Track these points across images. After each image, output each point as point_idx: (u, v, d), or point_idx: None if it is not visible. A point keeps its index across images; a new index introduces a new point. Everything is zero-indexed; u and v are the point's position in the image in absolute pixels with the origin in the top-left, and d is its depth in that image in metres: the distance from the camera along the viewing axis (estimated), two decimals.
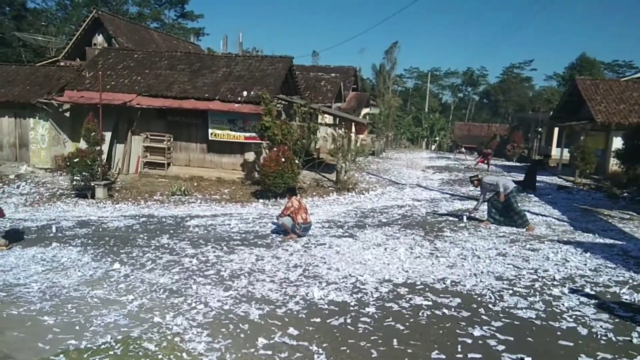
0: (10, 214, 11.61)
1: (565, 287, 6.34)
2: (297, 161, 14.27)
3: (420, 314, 5.40)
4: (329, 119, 21.45)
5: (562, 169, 23.18)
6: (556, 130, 27.93)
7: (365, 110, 32.25)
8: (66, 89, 16.94)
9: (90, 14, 23.03)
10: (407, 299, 5.85)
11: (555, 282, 6.55)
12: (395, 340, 4.74)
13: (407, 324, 5.14)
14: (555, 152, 27.58)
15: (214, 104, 15.72)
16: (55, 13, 46.85)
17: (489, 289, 6.23)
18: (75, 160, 13.31)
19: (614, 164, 18.14)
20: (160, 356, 4.30)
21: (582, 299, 5.96)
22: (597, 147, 20.57)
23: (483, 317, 5.37)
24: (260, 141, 15.52)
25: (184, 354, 4.34)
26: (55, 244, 8.24)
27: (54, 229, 9.50)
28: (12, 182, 15.17)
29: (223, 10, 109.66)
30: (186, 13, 54.17)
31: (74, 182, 13.77)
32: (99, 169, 13.71)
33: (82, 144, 14.84)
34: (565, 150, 24.58)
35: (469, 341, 4.75)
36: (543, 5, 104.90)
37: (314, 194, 14.51)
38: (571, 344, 4.72)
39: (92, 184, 13.48)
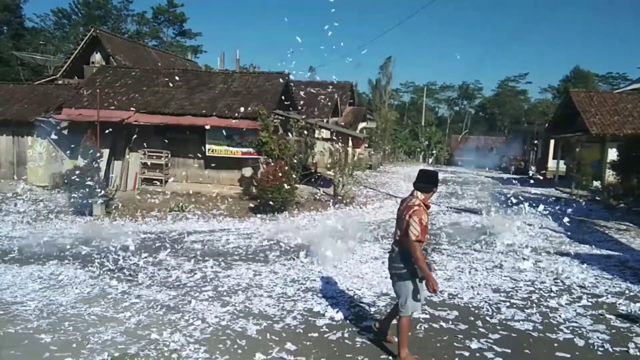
0: (8, 232, 11.59)
1: (562, 298, 6.36)
2: (294, 176, 14.32)
3: (417, 327, 5.40)
4: (326, 134, 21.55)
5: (559, 181, 23.28)
6: (552, 142, 28.09)
7: (362, 125, 32.40)
8: (64, 106, 17.01)
9: (88, 33, 23.24)
10: None
11: (552, 294, 6.57)
12: (393, 354, 4.73)
13: None
14: (551, 164, 27.70)
15: (211, 120, 15.79)
16: (54, 32, 47.27)
17: (486, 302, 6.25)
18: (73, 177, 13.32)
19: (610, 175, 18.24)
20: None
21: (579, 310, 5.98)
22: (592, 159, 20.69)
23: (480, 329, 5.38)
24: (257, 156, 15.57)
25: None
26: (52, 262, 8.23)
27: (51, 247, 9.48)
28: (9, 200, 15.16)
29: (221, 28, 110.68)
30: (184, 31, 54.72)
31: (72, 200, 13.75)
32: (97, 186, 13.72)
33: (80, 162, 14.84)
34: (562, 162, 24.70)
35: (467, 354, 4.76)
36: (537, 19, 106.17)
37: (312, 208, 14.53)
38: (568, 356, 4.73)
39: (90, 201, 13.47)
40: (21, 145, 17.60)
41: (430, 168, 33.98)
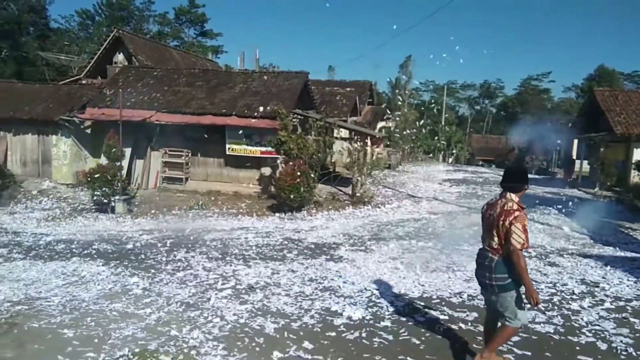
0: (33, 228, 11.87)
1: (584, 301, 6.24)
2: (312, 175, 14.34)
3: (436, 328, 5.36)
4: (344, 133, 21.51)
5: (582, 181, 22.82)
6: (575, 142, 27.54)
7: (381, 124, 32.28)
8: (88, 106, 17.35)
9: (111, 34, 23.65)
10: (423, 313, 5.83)
11: (574, 296, 6.45)
12: (411, 354, 4.71)
13: (423, 338, 5.11)
14: (575, 164, 27.13)
15: (231, 120, 15.93)
16: (78, 33, 48.21)
17: None
18: (96, 175, 13.57)
19: (635, 176, 17.81)
20: None
21: (602, 313, 5.86)
22: (617, 159, 20.23)
23: None
24: (276, 155, 15.65)
25: None
26: (75, 258, 8.40)
27: (75, 244, 9.69)
28: (34, 198, 15.52)
29: (241, 28, 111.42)
30: (205, 31, 55.25)
31: (95, 197, 14.02)
32: (119, 184, 13.96)
33: (103, 160, 15.14)
34: (585, 162, 24.19)
35: None
36: (561, 17, 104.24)
37: (330, 207, 14.53)
38: (590, 359, 4.64)
39: (112, 199, 13.71)
40: (46, 143, 17.99)
41: (450, 167, 33.62)
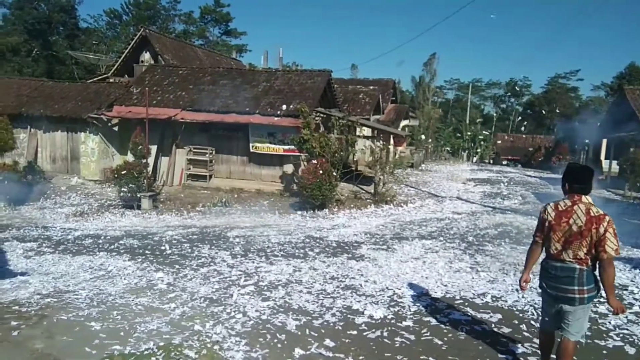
0: (62, 223, 12.18)
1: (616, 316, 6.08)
2: (335, 173, 14.34)
3: (459, 329, 5.31)
4: (367, 132, 21.45)
5: (611, 182, 22.25)
6: (604, 141, 26.89)
7: (404, 122, 32.06)
8: (115, 104, 17.70)
9: (138, 33, 24.06)
10: (446, 313, 5.78)
11: (601, 299, 6.29)
12: (433, 355, 4.69)
13: (445, 339, 5.07)
14: (603, 164, 26.52)
15: (254, 118, 16.05)
16: (106, 32, 49.22)
17: (531, 305, 6.07)
18: (122, 172, 13.86)
19: None
20: None
21: (631, 317, 5.72)
22: None
23: (525, 333, 5.24)
24: (298, 153, 15.70)
25: None
26: (102, 253, 8.59)
27: (102, 239, 9.91)
28: (63, 194, 15.92)
29: (265, 27, 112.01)
30: (230, 30, 55.68)
31: (121, 194, 14.32)
32: (145, 181, 14.21)
33: (130, 157, 15.44)
34: (614, 163, 23.59)
35: (510, 358, 4.65)
36: (589, 14, 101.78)
37: (352, 206, 14.51)
38: None
39: (138, 196, 13.97)
40: (75, 141, 18.43)
41: (474, 166, 33.17)
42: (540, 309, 5.92)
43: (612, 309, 3.80)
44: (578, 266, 3.80)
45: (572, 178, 3.95)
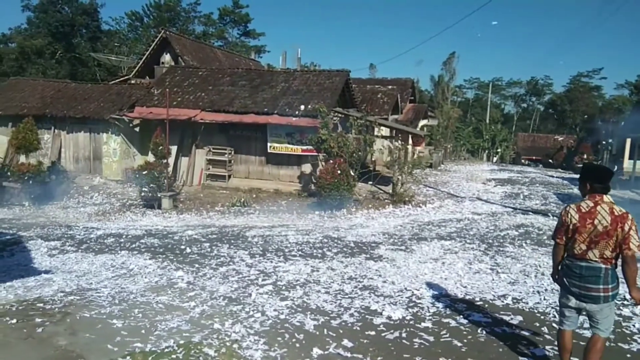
0: (84, 222, 12.42)
1: (636, 307, 5.96)
2: (352, 173, 14.33)
3: (479, 330, 5.26)
4: (385, 131, 21.37)
5: (635, 182, 21.75)
6: (628, 141, 26.31)
7: (422, 122, 31.81)
8: (136, 105, 17.97)
9: (158, 35, 24.38)
10: (466, 315, 5.72)
11: (625, 302, 6.17)
12: (452, 357, 4.65)
13: (465, 340, 5.03)
14: (627, 164, 25.94)
15: (272, 118, 16.12)
16: (127, 34, 49.97)
17: (552, 307, 5.97)
18: (143, 172, 14.07)
19: None
20: None
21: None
22: None
23: (546, 336, 5.16)
24: (316, 154, 15.72)
25: None
26: (124, 252, 8.73)
27: (123, 238, 10.07)
28: (86, 193, 16.22)
29: (283, 28, 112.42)
30: (249, 31, 56.05)
31: (142, 193, 14.54)
32: (165, 181, 14.40)
33: (151, 157, 15.66)
34: (639, 163, 23.07)
35: None
36: (612, 12, 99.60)
37: (370, 206, 14.47)
38: None
39: (159, 195, 14.17)
40: (97, 141, 18.76)
41: (494, 167, 32.77)
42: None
43: (635, 300, 3.87)
44: (604, 265, 3.86)
45: (593, 178, 3.99)
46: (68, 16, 43.16)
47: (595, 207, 3.90)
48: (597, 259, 3.86)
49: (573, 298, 4.02)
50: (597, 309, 3.91)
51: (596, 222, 3.85)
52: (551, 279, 4.54)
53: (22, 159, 15.61)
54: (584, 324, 5.38)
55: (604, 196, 3.92)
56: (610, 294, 3.86)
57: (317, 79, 18.00)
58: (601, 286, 3.85)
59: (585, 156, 32.66)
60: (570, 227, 3.98)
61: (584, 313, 4.08)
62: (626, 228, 3.76)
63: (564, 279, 4.10)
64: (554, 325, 5.42)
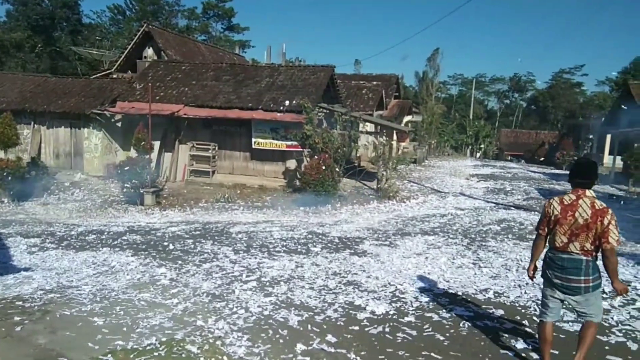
0: (65, 219, 12.23)
1: (615, 300, 6.07)
2: (337, 169, 14.35)
3: (461, 324, 5.31)
4: (370, 127, 21.42)
5: (615, 177, 22.17)
6: (608, 137, 26.80)
7: (407, 118, 31.98)
8: (118, 100, 17.72)
9: (141, 28, 24.04)
10: (448, 309, 5.77)
11: (604, 295, 6.28)
12: (435, 351, 4.69)
13: (448, 334, 5.07)
14: (607, 159, 26.42)
15: (257, 114, 16.04)
16: (109, 28, 49.24)
17: (533, 301, 6.06)
18: (126, 168, 13.89)
19: None
20: (202, 359, 4.43)
21: (633, 312, 5.70)
22: None
23: (527, 329, 5.23)
24: (301, 149, 15.69)
25: (225, 358, 4.45)
26: (105, 249, 8.62)
27: (105, 234, 9.94)
28: (67, 189, 15.97)
29: (268, 23, 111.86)
30: (233, 26, 55.65)
31: (124, 190, 14.35)
32: (148, 176, 14.23)
33: (133, 153, 15.46)
34: (619, 158, 23.50)
35: (511, 354, 4.65)
36: (595, 8, 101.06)
37: (355, 201, 14.51)
38: (619, 359, 4.53)
39: (141, 191, 14.00)
40: (78, 136, 18.47)
41: (478, 162, 33.06)
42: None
43: (617, 291, 3.98)
44: (585, 257, 3.98)
45: (576, 172, 4.09)
46: (48, 9, 42.34)
47: (578, 200, 4.01)
48: (578, 251, 3.98)
49: (555, 289, 4.14)
50: (581, 299, 4.04)
51: (577, 214, 3.96)
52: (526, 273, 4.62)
53: (1, 154, 15.28)
54: (564, 316, 5.48)
55: (587, 190, 4.02)
56: (591, 284, 3.98)
57: (302, 74, 17.95)
58: (582, 277, 3.98)
59: (565, 152, 33.10)
60: (552, 218, 4.10)
61: (567, 305, 4.21)
62: (605, 222, 3.87)
63: (547, 271, 4.21)
64: (535, 318, 5.50)
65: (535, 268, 4.40)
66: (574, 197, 4.04)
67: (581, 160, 4.25)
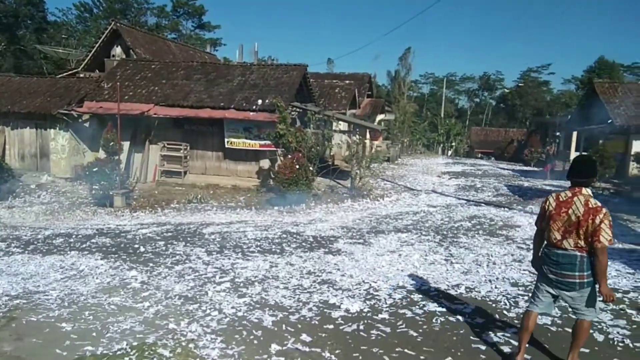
0: (31, 222, 11.88)
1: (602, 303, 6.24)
2: (311, 168, 14.34)
3: (434, 320, 5.38)
4: (343, 126, 21.51)
5: None
6: (574, 134, 27.57)
7: (380, 117, 32.23)
8: (85, 100, 17.30)
9: (109, 26, 23.54)
10: (421, 305, 5.84)
11: None
12: (408, 347, 4.73)
13: (421, 330, 5.13)
14: (573, 156, 27.17)
15: (229, 113, 15.89)
16: (76, 26, 48.04)
17: (504, 295, 6.18)
18: (94, 169, 13.57)
19: (634, 168, 17.82)
20: None
21: (599, 304, 5.86)
22: (616, 151, 20.24)
23: (498, 323, 5.33)
24: (275, 149, 15.63)
25: None
26: (73, 252, 8.40)
27: (73, 238, 9.69)
28: (33, 192, 15.51)
29: (239, 21, 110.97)
30: (204, 24, 55.02)
31: (93, 191, 14.02)
32: (117, 178, 13.94)
33: (101, 154, 15.13)
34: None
35: (483, 347, 4.72)
36: (561, 8, 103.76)
37: (329, 200, 14.54)
38: (587, 351, 4.66)
39: (111, 193, 13.71)
40: (44, 137, 17.96)
41: (449, 160, 33.54)
42: (512, 299, 6.06)
43: (603, 296, 3.99)
44: (579, 253, 4.02)
45: (576, 172, 4.13)
46: (12, 7, 40.99)
47: (573, 197, 4.08)
48: (572, 248, 4.04)
49: (550, 283, 4.22)
50: (576, 295, 4.09)
51: (570, 211, 4.03)
52: (531, 265, 4.69)
53: None
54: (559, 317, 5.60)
55: (583, 189, 4.07)
56: (585, 280, 4.02)
57: (275, 73, 17.87)
58: (577, 273, 4.03)
59: (533, 149, 33.91)
60: (547, 214, 4.20)
61: (562, 301, 4.28)
62: (597, 221, 3.91)
63: (542, 266, 4.29)
64: (505, 312, 5.62)
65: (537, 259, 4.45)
66: (569, 194, 4.11)
67: (579, 158, 4.30)
